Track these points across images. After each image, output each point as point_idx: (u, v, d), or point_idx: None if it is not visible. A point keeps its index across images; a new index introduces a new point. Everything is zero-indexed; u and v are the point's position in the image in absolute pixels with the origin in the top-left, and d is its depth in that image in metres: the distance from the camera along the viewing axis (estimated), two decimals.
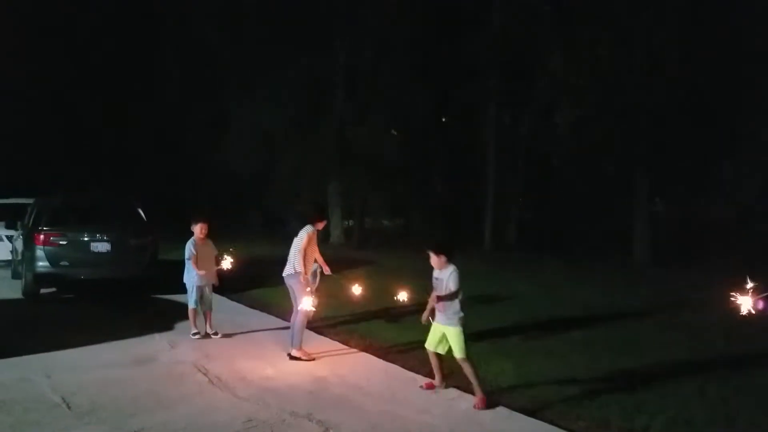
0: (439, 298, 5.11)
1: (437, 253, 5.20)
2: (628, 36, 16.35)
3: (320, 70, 21.83)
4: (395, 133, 23.09)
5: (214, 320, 7.71)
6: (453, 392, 5.39)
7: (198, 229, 7.55)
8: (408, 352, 6.80)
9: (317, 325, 7.92)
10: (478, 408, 4.96)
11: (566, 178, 20.58)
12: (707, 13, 15.80)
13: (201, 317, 7.68)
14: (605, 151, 17.51)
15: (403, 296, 6.41)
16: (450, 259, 5.21)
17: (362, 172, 22.28)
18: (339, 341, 7.38)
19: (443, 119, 24.91)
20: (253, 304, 10.00)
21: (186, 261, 7.52)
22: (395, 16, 20.55)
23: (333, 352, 6.86)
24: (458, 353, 5.13)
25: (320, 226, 6.80)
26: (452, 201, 25.88)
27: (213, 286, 7.77)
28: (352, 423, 4.71)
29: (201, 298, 7.60)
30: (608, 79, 16.28)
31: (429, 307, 5.26)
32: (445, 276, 5.16)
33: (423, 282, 5.77)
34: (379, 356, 6.69)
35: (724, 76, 15.78)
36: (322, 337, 7.56)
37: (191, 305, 7.57)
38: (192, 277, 7.53)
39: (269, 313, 9.23)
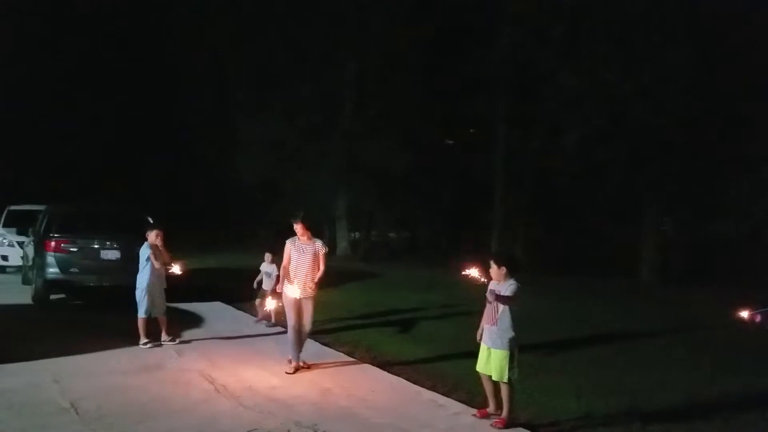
0: (498, 298, 4.97)
1: (498, 264, 5.12)
2: (637, 59, 16.35)
3: (329, 84, 22.00)
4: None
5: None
6: (457, 406, 5.41)
7: (153, 236, 7.69)
8: (413, 365, 6.82)
9: (323, 337, 7.97)
10: (496, 426, 4.92)
11: (574, 197, 20.55)
12: (718, 33, 15.81)
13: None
14: (612, 171, 17.48)
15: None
16: (511, 273, 5.13)
17: (370, 185, 22.36)
18: (344, 353, 7.42)
19: (450, 136, 24.98)
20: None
21: (144, 262, 7.58)
22: (404, 30, 20.76)
23: (338, 364, 6.89)
24: (496, 375, 4.99)
25: (299, 229, 6.45)
26: (459, 216, 25.88)
27: (164, 291, 7.77)
28: None
29: (152, 305, 7.61)
30: (616, 101, 16.29)
31: (481, 325, 5.18)
32: (503, 289, 5.06)
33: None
34: (384, 369, 6.72)
35: (734, 95, 15.74)
36: (327, 348, 7.60)
37: (142, 314, 7.55)
38: (144, 279, 7.56)
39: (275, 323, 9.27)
